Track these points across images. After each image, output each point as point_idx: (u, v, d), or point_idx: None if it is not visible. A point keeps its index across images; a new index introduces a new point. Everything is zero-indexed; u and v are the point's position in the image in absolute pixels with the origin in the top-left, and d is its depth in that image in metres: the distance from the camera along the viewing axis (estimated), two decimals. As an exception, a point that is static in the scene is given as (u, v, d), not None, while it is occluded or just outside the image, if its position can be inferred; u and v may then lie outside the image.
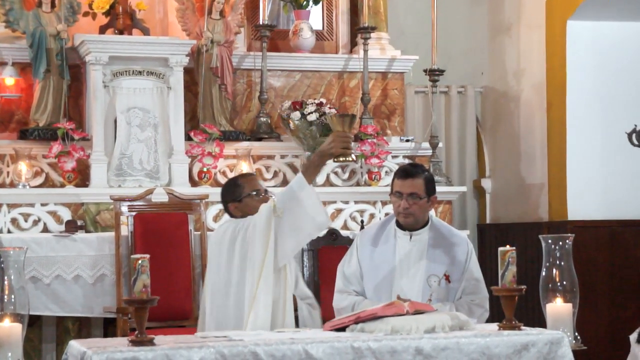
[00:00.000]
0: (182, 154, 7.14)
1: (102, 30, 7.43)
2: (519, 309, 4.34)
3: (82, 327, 6.77)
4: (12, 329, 3.81)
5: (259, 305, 4.64)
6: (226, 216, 5.32)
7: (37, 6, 7.10)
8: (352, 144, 4.86)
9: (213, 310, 4.89)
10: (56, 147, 6.86)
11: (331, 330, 4.24)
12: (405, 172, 4.95)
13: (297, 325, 4.89)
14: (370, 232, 5.13)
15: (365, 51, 7.80)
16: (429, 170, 5.12)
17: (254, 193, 5.05)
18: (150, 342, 3.84)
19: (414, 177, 4.92)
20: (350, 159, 7.37)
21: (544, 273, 4.34)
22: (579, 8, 7.86)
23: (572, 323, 4.28)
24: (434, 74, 8.02)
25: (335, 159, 7.00)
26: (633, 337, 6.25)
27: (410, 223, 4.97)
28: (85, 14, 7.42)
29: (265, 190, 5.11)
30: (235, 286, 4.78)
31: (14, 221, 6.78)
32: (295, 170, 7.51)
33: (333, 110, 7.41)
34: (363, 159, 7.49)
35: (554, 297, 4.29)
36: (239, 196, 5.04)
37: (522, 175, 8.63)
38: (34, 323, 6.57)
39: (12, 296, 3.87)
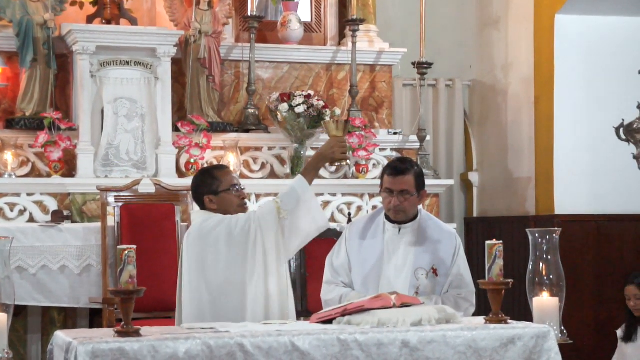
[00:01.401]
0: (170, 145, 7.12)
1: (90, 19, 7.41)
2: (505, 302, 4.34)
3: (68, 317, 6.75)
4: (-2, 319, 3.80)
5: (268, 302, 4.68)
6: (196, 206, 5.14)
7: (24, -5, 7.07)
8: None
9: (192, 305, 4.77)
10: (43, 137, 6.83)
11: (318, 322, 4.24)
12: (396, 170, 4.93)
13: None
14: (359, 224, 5.13)
15: (354, 43, 7.79)
16: (418, 165, 5.10)
17: (232, 188, 4.95)
18: (137, 333, 3.84)
19: (405, 174, 4.90)
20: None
21: (530, 267, 4.34)
22: (567, 2, 7.87)
23: (558, 317, 4.28)
24: (422, 67, 8.02)
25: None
26: (619, 334, 6.27)
27: (401, 219, 4.98)
28: (73, 4, 7.40)
29: (240, 184, 5.03)
30: (227, 285, 4.71)
31: (-1, 211, 6.77)
32: (282, 162, 7.50)
33: (321, 103, 7.40)
34: (351, 152, 7.47)
35: (541, 290, 4.30)
36: (216, 190, 4.90)
37: (510, 169, 8.63)
38: (19, 313, 6.55)
39: (-2, 286, 3.86)
